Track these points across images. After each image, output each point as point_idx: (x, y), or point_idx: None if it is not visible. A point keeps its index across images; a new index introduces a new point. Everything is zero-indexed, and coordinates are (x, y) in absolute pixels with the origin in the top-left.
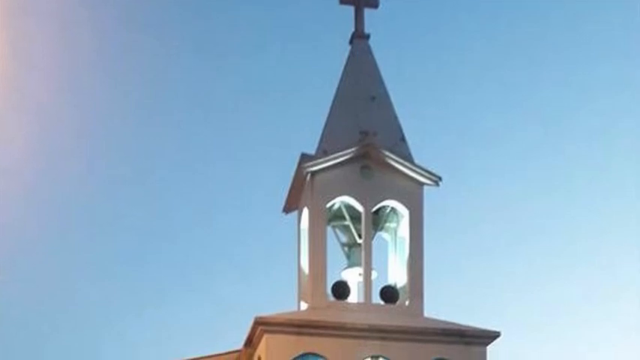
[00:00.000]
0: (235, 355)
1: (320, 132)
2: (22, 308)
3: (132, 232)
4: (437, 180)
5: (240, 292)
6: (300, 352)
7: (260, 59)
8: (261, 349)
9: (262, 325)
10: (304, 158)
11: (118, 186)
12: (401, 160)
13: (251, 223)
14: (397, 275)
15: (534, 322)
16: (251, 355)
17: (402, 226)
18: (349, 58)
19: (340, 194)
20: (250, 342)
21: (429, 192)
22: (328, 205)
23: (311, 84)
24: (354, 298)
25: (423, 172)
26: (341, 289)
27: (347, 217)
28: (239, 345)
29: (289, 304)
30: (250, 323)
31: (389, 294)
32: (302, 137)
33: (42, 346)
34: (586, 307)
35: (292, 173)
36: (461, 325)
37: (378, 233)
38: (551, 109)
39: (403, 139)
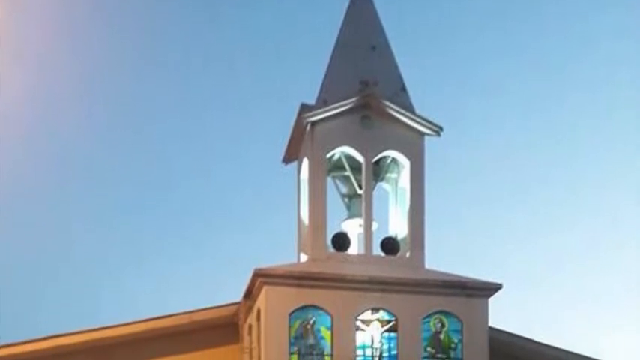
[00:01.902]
0: (234, 307)
1: (320, 82)
2: (20, 258)
3: (130, 182)
4: (438, 130)
5: (239, 243)
6: (300, 304)
7: (259, 8)
8: (260, 301)
9: (262, 277)
10: (304, 108)
11: (116, 136)
12: (402, 110)
13: (250, 173)
14: (398, 226)
15: (536, 273)
16: (250, 307)
17: (402, 176)
18: (349, 7)
19: (340, 144)
20: (249, 294)
21: (430, 142)
22: (328, 155)
23: (311, 33)
24: (354, 249)
25: (423, 122)
26: (341, 241)
27: (347, 167)
28: (238, 297)
29: (289, 255)
30: (249, 275)
31: (389, 245)
32: (302, 87)
33: (40, 296)
34: (589, 258)
35: (292, 123)
36: (462, 277)
37: (379, 184)
38: (553, 59)
39: (404, 88)
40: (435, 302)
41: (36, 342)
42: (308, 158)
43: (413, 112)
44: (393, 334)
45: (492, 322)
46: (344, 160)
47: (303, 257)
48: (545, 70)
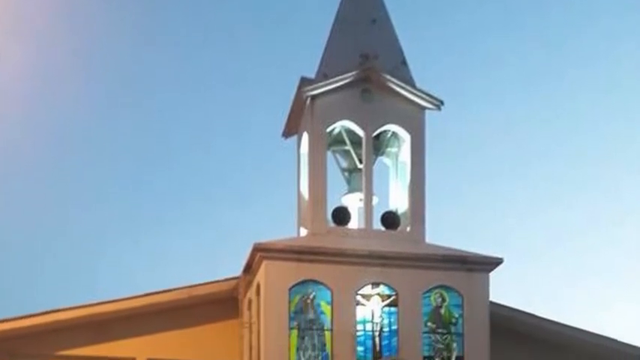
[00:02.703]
0: (234, 282)
1: (320, 55)
2: (18, 233)
3: (129, 157)
4: (438, 104)
5: (238, 217)
6: (300, 279)
7: None
8: (260, 276)
9: (261, 252)
10: (304, 82)
11: (115, 110)
12: (402, 84)
13: (250, 147)
14: (398, 201)
15: (537, 248)
16: (250, 282)
17: (403, 150)
18: None
19: (340, 118)
20: (249, 269)
21: (430, 116)
22: (328, 129)
23: (311, 6)
24: (354, 223)
25: (424, 96)
26: (341, 215)
27: (347, 141)
28: (238, 272)
29: (289, 230)
30: (249, 249)
31: (390, 220)
32: (302, 61)
33: (37, 271)
34: (589, 233)
35: (292, 97)
36: (463, 252)
37: (379, 158)
38: (555, 32)
39: (404, 62)
40: (435, 277)
41: (33, 317)
42: (308, 132)
43: (413, 85)
44: (393, 309)
45: (493, 297)
46: (344, 134)
47: (303, 232)
48: (546, 43)
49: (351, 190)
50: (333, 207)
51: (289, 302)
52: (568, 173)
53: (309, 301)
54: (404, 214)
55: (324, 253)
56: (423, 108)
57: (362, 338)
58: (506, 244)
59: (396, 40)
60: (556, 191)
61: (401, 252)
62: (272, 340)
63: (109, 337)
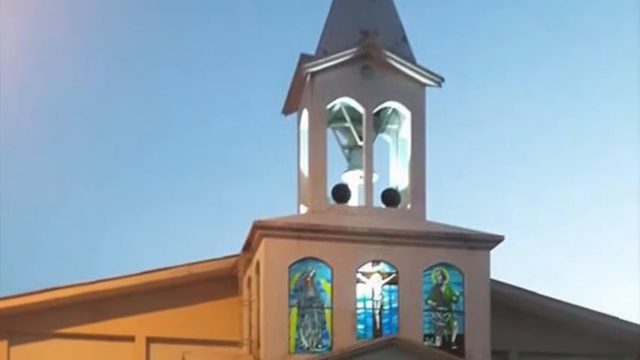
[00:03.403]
0: (234, 259)
1: (320, 32)
2: (16, 210)
3: (128, 133)
4: (439, 81)
5: (238, 195)
6: (300, 257)
7: None
8: (259, 254)
9: (261, 229)
10: (304, 59)
11: (114, 86)
12: (402, 61)
13: (250, 124)
14: (399, 178)
15: (538, 225)
16: (249, 260)
17: (403, 127)
18: None
19: (341, 95)
20: (249, 246)
21: (431, 93)
22: (328, 106)
23: None
24: (354, 201)
25: (424, 73)
26: (341, 192)
27: (347, 118)
28: (237, 249)
29: (289, 207)
30: (249, 227)
31: (390, 197)
32: (302, 37)
33: (36, 249)
34: (591, 210)
35: (292, 74)
36: (464, 229)
37: (379, 135)
38: (556, 8)
39: (405, 39)
40: (436, 254)
41: (32, 295)
42: (308, 109)
43: (414, 62)
44: (393, 287)
45: (494, 275)
46: (344, 111)
47: (303, 209)
48: (548, 20)
49: (351, 168)
50: (333, 184)
51: (289, 280)
52: (569, 150)
53: (309, 278)
54: (404, 191)
55: (324, 231)
56: (424, 85)
57: (362, 316)
58: (507, 221)
59: (396, 16)
60: (557, 168)
61: (401, 229)
62: (272, 318)
63: (108, 315)
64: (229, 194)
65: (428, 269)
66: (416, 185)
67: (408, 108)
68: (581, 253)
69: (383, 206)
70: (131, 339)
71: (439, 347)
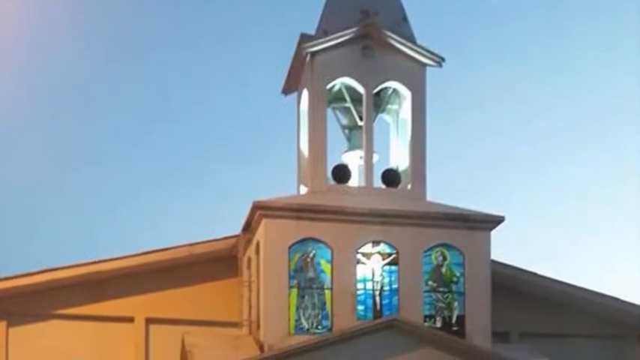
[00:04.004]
0: (233, 240)
1: (320, 12)
2: (15, 190)
3: (127, 114)
4: (439, 61)
5: (238, 175)
6: (300, 237)
7: None
8: (259, 234)
9: (261, 210)
10: (304, 38)
11: (113, 66)
12: (403, 41)
13: (249, 104)
14: (399, 158)
15: (539, 206)
16: (249, 240)
17: (404, 107)
18: None
19: (341, 75)
20: (249, 227)
21: (431, 73)
22: (328, 86)
23: None
24: (354, 181)
25: (425, 53)
26: (341, 173)
27: (348, 98)
28: (237, 230)
29: (289, 188)
30: (249, 207)
31: (390, 177)
32: (302, 17)
33: (35, 229)
34: (592, 191)
35: (292, 54)
36: (464, 210)
37: (380, 115)
38: None
39: (405, 18)
40: (436, 235)
41: (31, 276)
42: (308, 89)
43: (414, 42)
44: (393, 268)
45: (495, 256)
46: (344, 91)
47: (303, 189)
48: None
49: (351, 148)
50: (333, 165)
51: (289, 261)
52: (570, 130)
53: (308, 259)
54: (404, 171)
55: (324, 211)
56: (424, 65)
57: (362, 297)
58: (507, 202)
59: None
60: (558, 149)
61: (402, 210)
62: (272, 299)
63: (107, 296)
64: (229, 174)
65: (428, 250)
66: (416, 165)
67: (409, 88)
68: (582, 233)
69: (383, 186)
70: (130, 320)
71: (439, 328)
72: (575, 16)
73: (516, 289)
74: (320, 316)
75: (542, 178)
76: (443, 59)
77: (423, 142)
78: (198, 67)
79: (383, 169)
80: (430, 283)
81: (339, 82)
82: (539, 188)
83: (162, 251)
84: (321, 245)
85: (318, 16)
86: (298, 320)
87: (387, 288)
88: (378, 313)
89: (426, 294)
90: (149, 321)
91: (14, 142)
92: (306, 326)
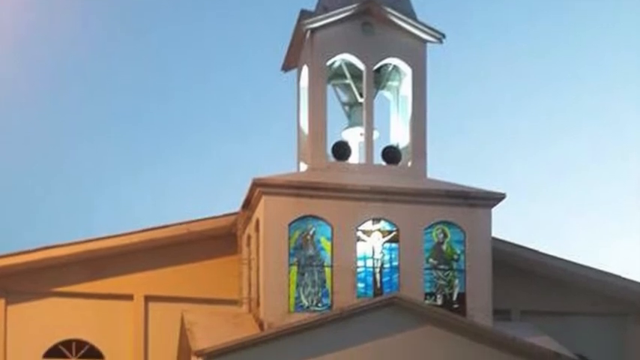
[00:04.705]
0: (233, 217)
1: None
2: (14, 168)
3: (126, 90)
4: (440, 37)
5: (238, 152)
6: (300, 215)
7: None
8: (259, 212)
9: (261, 187)
10: (304, 15)
11: (112, 43)
12: (403, 17)
13: (249, 81)
14: (399, 135)
15: (540, 182)
16: (249, 218)
17: (404, 84)
18: None
19: (341, 52)
20: (248, 204)
21: (432, 49)
22: (328, 62)
23: None
24: (355, 158)
25: (425, 29)
26: (342, 150)
27: (348, 75)
28: (236, 207)
29: (289, 165)
30: (248, 185)
31: (391, 154)
32: None
33: (34, 207)
34: (593, 167)
35: (292, 30)
36: (465, 187)
37: (380, 92)
38: None
39: None
40: (437, 212)
41: (29, 253)
42: (308, 65)
43: (414, 18)
44: (394, 245)
45: (495, 233)
46: (344, 68)
47: (303, 167)
48: None
49: (351, 125)
50: (334, 141)
51: (289, 238)
52: (571, 106)
53: (308, 237)
54: (405, 148)
55: (324, 189)
56: (425, 41)
57: (362, 274)
58: (508, 178)
59: None
60: (559, 125)
61: (402, 187)
62: (271, 277)
63: (106, 274)
64: (229, 151)
65: (429, 227)
66: (417, 142)
67: (409, 64)
68: (583, 210)
69: (383, 164)
70: (129, 297)
71: (440, 306)
72: None
73: (517, 267)
74: (320, 294)
75: (543, 154)
76: (443, 35)
77: (424, 119)
78: (198, 44)
79: (383, 146)
80: (431, 260)
81: (339, 59)
82: (540, 164)
83: (162, 229)
84: (321, 222)
85: None
86: (298, 298)
87: (387, 265)
88: (378, 291)
89: (427, 271)
90: (148, 299)
91: (13, 121)
92: (306, 304)
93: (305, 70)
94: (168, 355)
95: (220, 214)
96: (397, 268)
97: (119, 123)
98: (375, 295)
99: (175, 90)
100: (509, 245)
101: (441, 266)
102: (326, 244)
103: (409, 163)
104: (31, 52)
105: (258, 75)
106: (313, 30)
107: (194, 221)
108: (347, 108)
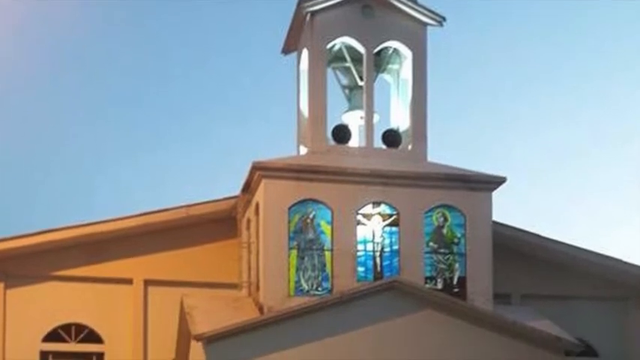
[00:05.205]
0: (232, 201)
1: None
2: (13, 151)
3: (126, 74)
4: (440, 20)
5: (237, 136)
6: (300, 198)
7: None
8: (259, 195)
9: (260, 170)
10: None
11: (112, 27)
12: (403, 0)
13: (249, 64)
14: (400, 118)
15: (541, 166)
16: (249, 201)
17: (404, 67)
18: None
19: (341, 35)
20: (248, 187)
21: (432, 32)
22: (328, 45)
23: None
24: (355, 142)
25: (426, 12)
26: (342, 133)
27: (348, 58)
28: (236, 191)
29: (289, 148)
30: (248, 168)
31: (391, 138)
32: None
33: (33, 190)
34: (594, 151)
35: (292, 13)
36: (465, 170)
37: (380, 75)
38: None
39: None
40: (437, 196)
41: (28, 237)
42: (308, 49)
43: (415, 1)
44: (394, 229)
45: (496, 217)
46: (344, 51)
47: (303, 150)
48: None
49: (351, 108)
50: (334, 125)
51: (289, 222)
52: (572, 90)
53: (308, 220)
54: (405, 132)
55: (324, 172)
56: (425, 24)
57: (363, 258)
58: (509, 162)
59: None
60: (560, 108)
61: (402, 170)
62: (271, 261)
63: (106, 258)
64: (228, 135)
65: (429, 211)
66: (417, 126)
67: (409, 48)
68: (584, 194)
69: (384, 147)
70: (129, 281)
71: (440, 290)
72: None
73: (518, 251)
74: (320, 278)
75: (544, 138)
76: (444, 18)
77: (424, 103)
78: (198, 27)
79: (383, 129)
80: (431, 244)
81: (340, 42)
82: (540, 148)
83: (161, 212)
84: (321, 206)
85: None
86: (298, 282)
87: (387, 249)
88: (378, 275)
89: (427, 255)
90: (148, 283)
91: (12, 103)
92: (306, 288)
93: (305, 53)
94: (168, 339)
95: (220, 197)
96: (397, 251)
97: (118, 106)
98: (376, 279)
99: (175, 73)
100: (509, 229)
101: (442, 250)
102: (326, 228)
103: (409, 147)
104: (30, 35)
105: (258, 58)
106: (313, 13)
107: (194, 205)
108: (347, 91)
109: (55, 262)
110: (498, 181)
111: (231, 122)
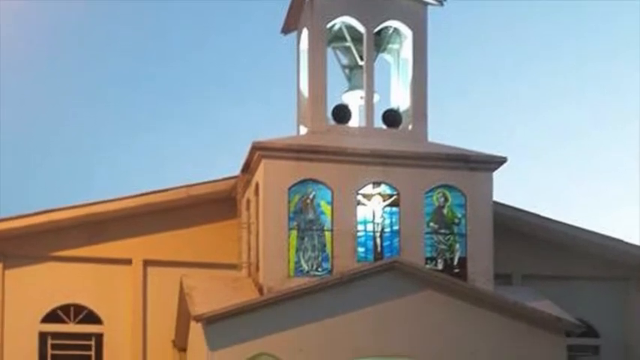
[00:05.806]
0: (232, 181)
1: None
2: (12, 132)
3: (125, 54)
4: None
5: (237, 116)
6: (300, 178)
7: None
8: (259, 175)
9: (260, 151)
10: None
11: (110, 7)
12: None
13: (248, 44)
14: (400, 98)
15: (542, 146)
16: (248, 182)
17: (405, 47)
18: None
19: (341, 14)
20: (248, 168)
21: (432, 12)
22: (329, 25)
23: None
24: (355, 122)
25: None
26: (342, 113)
27: (348, 38)
28: (236, 171)
29: (288, 128)
30: (248, 148)
31: (391, 118)
32: None
33: (32, 171)
34: (595, 132)
35: None
36: (466, 150)
37: (380, 55)
38: None
39: None
40: (437, 176)
41: (27, 217)
42: (308, 28)
43: None
44: (394, 209)
45: (497, 197)
46: (344, 30)
47: (303, 130)
48: None
49: (351, 88)
50: (334, 105)
51: (288, 202)
52: (573, 70)
53: (308, 200)
54: (406, 112)
55: (324, 152)
56: (425, 3)
57: (363, 239)
58: (509, 142)
59: None
60: (561, 89)
61: (403, 150)
62: (271, 241)
63: (105, 238)
64: (228, 115)
65: (429, 191)
66: (417, 106)
67: (410, 27)
68: (585, 175)
69: (384, 127)
70: (128, 262)
71: (441, 270)
72: None
73: (519, 231)
74: (320, 258)
75: (545, 118)
76: None
77: (424, 82)
78: (196, 7)
79: (384, 109)
80: (431, 224)
81: (340, 21)
82: (541, 128)
83: (161, 192)
84: (321, 186)
85: None
86: (298, 262)
87: (387, 229)
88: (378, 255)
89: (428, 236)
90: (147, 263)
91: (11, 83)
92: (306, 268)
93: (305, 32)
94: (167, 320)
95: (220, 177)
96: (398, 232)
97: (118, 87)
98: (376, 259)
99: (174, 53)
100: (510, 209)
101: (442, 230)
102: (326, 208)
103: (410, 127)
104: (28, 15)
105: (258, 38)
106: None
107: (193, 185)
108: (347, 71)
109: (54, 242)
110: (499, 161)
111: (230, 102)
